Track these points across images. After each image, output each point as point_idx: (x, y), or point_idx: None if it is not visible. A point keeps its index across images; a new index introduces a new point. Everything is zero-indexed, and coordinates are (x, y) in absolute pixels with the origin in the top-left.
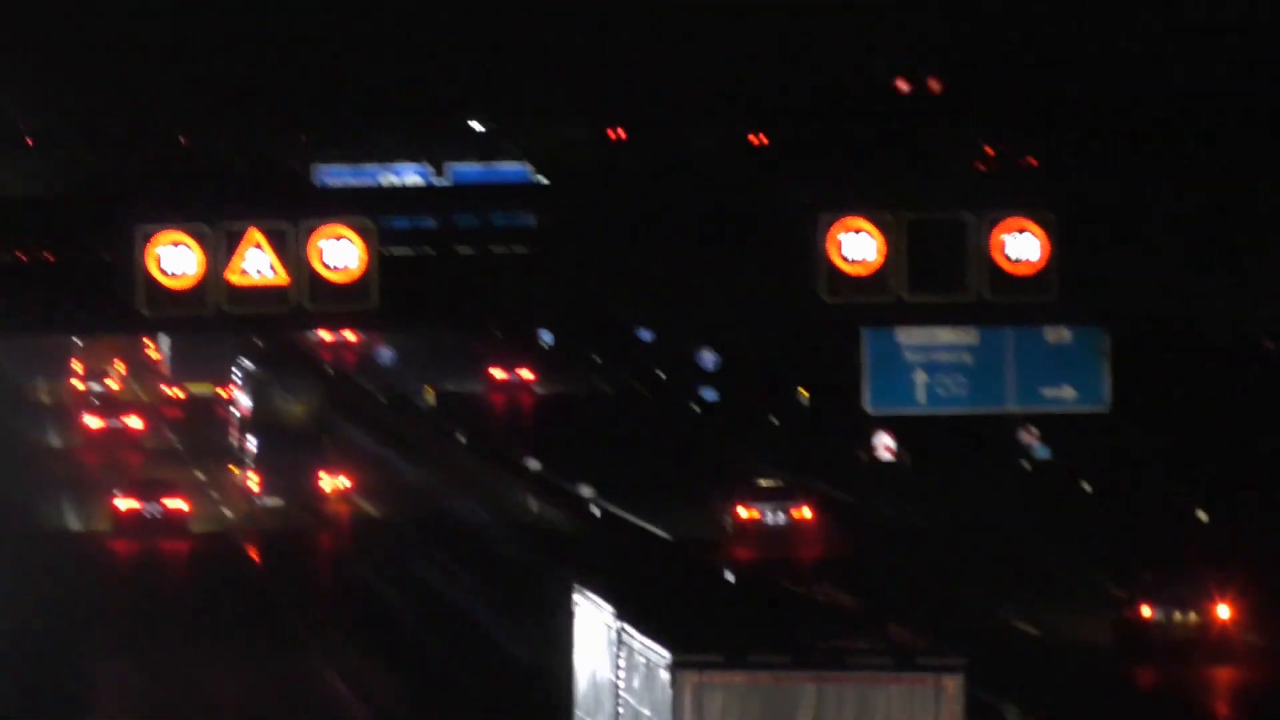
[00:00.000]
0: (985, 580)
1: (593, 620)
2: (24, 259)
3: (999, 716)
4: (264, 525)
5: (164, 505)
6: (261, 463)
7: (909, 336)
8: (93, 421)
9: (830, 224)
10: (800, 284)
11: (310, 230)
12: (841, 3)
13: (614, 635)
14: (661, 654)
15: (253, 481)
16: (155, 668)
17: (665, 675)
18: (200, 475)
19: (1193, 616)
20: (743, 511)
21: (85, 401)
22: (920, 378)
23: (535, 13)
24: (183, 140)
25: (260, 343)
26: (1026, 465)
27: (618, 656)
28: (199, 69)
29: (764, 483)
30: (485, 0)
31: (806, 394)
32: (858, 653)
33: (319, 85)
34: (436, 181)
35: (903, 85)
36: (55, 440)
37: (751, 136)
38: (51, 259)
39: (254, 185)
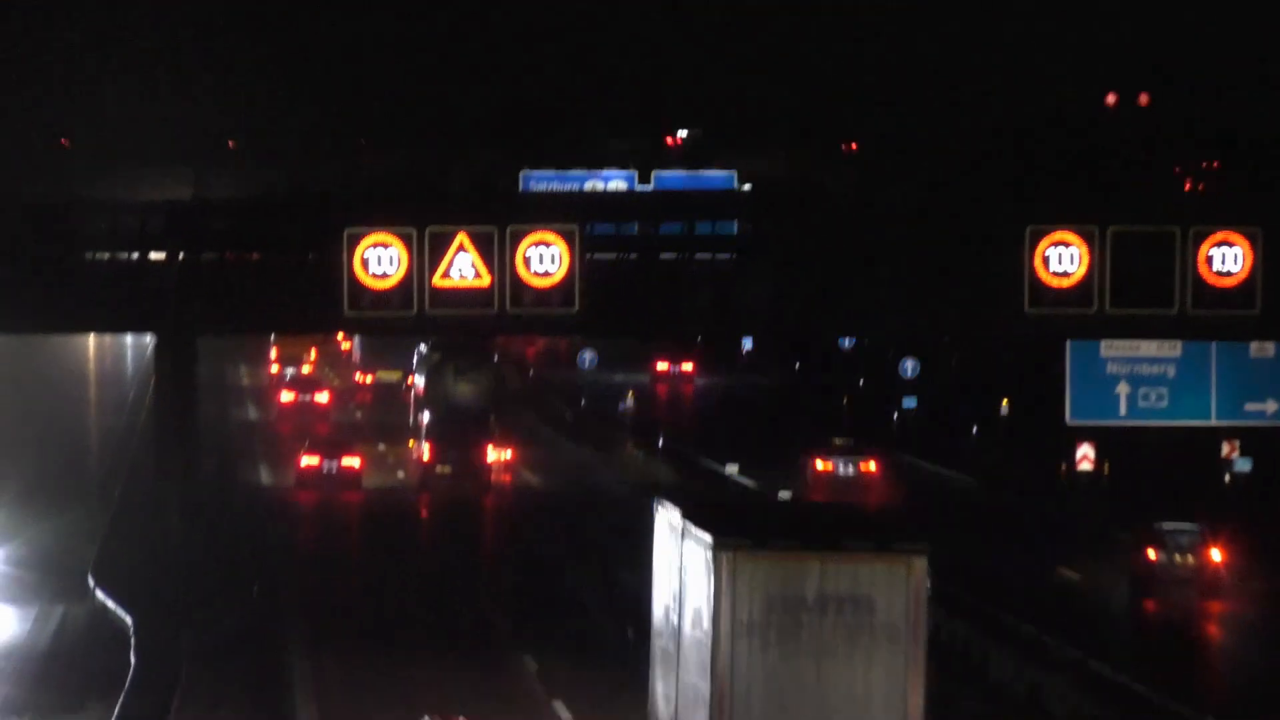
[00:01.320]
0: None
1: (665, 520)
2: (232, 260)
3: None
4: (434, 489)
5: (341, 463)
6: (433, 435)
7: (1112, 349)
8: (285, 396)
9: (1036, 237)
10: (1004, 296)
11: (516, 235)
12: (1052, 18)
13: (679, 529)
14: (706, 539)
15: (425, 451)
16: (326, 596)
17: (708, 554)
18: (381, 447)
19: (1190, 559)
20: (819, 464)
21: (280, 382)
22: (1123, 389)
23: (751, 23)
24: (391, 147)
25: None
26: (1226, 479)
27: (681, 543)
28: (409, 77)
29: (838, 441)
30: (699, 9)
31: (1007, 404)
32: (850, 539)
33: (528, 93)
34: (642, 188)
35: (1111, 99)
36: (253, 414)
37: (960, 150)
38: (260, 260)
39: (461, 191)
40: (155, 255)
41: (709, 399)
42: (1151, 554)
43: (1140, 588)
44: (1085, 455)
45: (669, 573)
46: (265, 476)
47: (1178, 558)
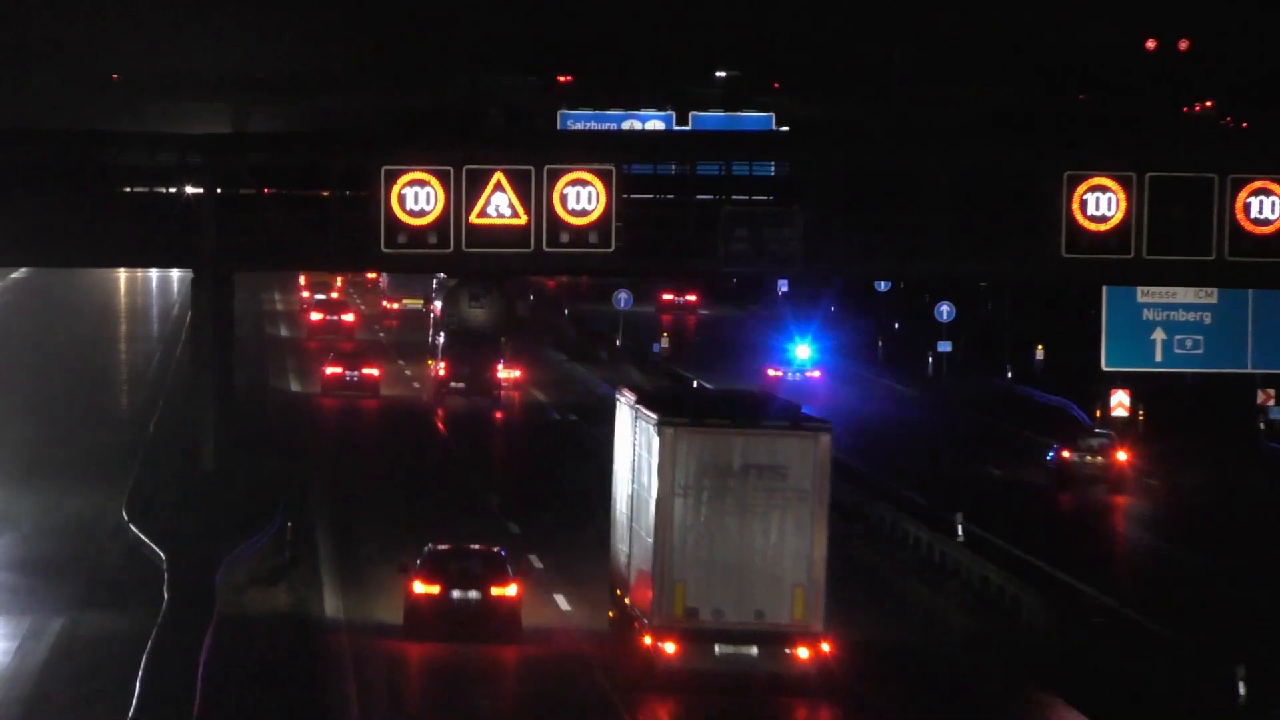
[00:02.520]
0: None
1: (624, 406)
2: (269, 196)
3: (951, 523)
4: (448, 402)
5: (361, 372)
6: (448, 354)
7: (1148, 295)
8: (315, 315)
9: (1074, 182)
10: (1042, 240)
11: (553, 174)
12: None
13: (633, 413)
14: (654, 418)
15: (441, 368)
16: (349, 489)
17: (655, 431)
18: (401, 363)
19: (1100, 459)
20: (770, 371)
21: (310, 304)
22: (1158, 336)
23: None
24: (432, 87)
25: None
26: (1262, 426)
27: (635, 424)
28: (450, 17)
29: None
30: None
31: (1042, 350)
32: (768, 417)
33: (567, 33)
34: (680, 129)
35: (1151, 45)
36: (285, 332)
37: (1000, 95)
38: (297, 196)
39: (499, 129)
40: (192, 189)
41: (715, 331)
42: (1066, 454)
43: (1056, 483)
44: (1120, 402)
45: (625, 448)
46: (295, 384)
47: (1089, 458)
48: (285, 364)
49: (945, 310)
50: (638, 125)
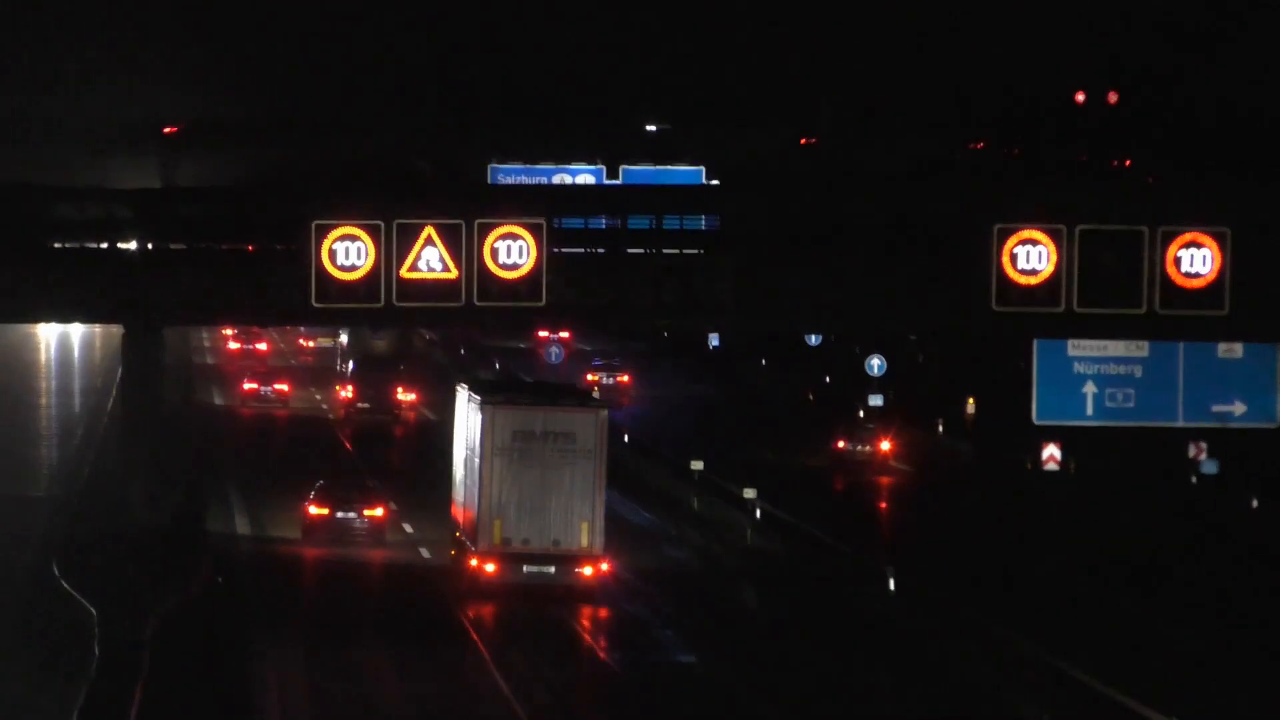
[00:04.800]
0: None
1: (462, 392)
2: (200, 250)
3: (739, 495)
4: (354, 419)
5: (274, 388)
6: (355, 378)
7: (1079, 348)
8: (233, 345)
9: (1004, 235)
10: (972, 293)
11: (484, 228)
12: (1020, 15)
13: (466, 396)
14: (479, 399)
15: (348, 392)
16: (263, 485)
17: (480, 408)
18: (313, 389)
19: (866, 448)
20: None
21: (230, 336)
22: (1089, 389)
23: (716, 15)
24: (360, 138)
25: None
26: (1194, 480)
27: (468, 405)
28: (377, 68)
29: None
30: (664, 2)
31: (973, 403)
32: (563, 398)
33: (496, 86)
34: (610, 183)
35: (1080, 97)
36: (209, 359)
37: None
38: (227, 250)
39: (429, 183)
40: (122, 245)
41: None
42: (841, 443)
43: (831, 466)
44: (1051, 455)
45: (461, 424)
46: (217, 398)
47: (858, 446)
48: (209, 383)
49: (876, 364)
50: (568, 179)
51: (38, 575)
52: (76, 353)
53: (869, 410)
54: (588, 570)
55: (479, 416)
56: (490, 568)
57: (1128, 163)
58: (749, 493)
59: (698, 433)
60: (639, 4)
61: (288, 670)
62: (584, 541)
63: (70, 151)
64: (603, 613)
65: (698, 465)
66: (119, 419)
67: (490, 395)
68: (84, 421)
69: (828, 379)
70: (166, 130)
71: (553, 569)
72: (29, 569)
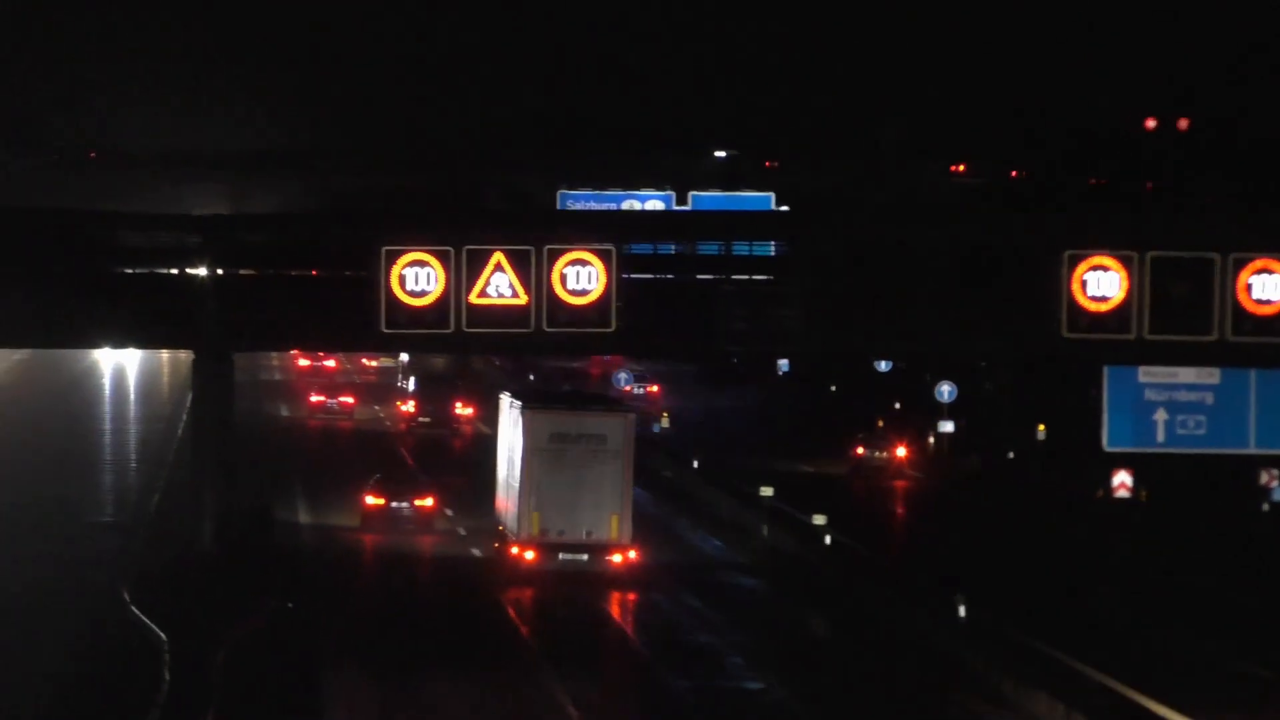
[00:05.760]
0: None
1: (505, 400)
2: (269, 276)
3: (761, 499)
4: (415, 433)
5: (339, 400)
6: (417, 394)
7: (1150, 375)
8: (303, 362)
9: (1074, 261)
10: (1042, 320)
11: (553, 254)
12: (1091, 43)
13: (509, 403)
14: (519, 404)
15: (409, 406)
16: (331, 491)
17: (521, 413)
18: (376, 406)
19: (883, 454)
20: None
21: (299, 355)
22: (1160, 416)
23: (789, 46)
24: (430, 164)
25: None
26: (1265, 507)
27: (510, 411)
28: (447, 96)
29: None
30: (736, 31)
31: (1043, 429)
32: (595, 404)
33: (567, 113)
34: (679, 209)
35: (1150, 124)
36: (278, 376)
37: (994, 174)
38: (296, 276)
39: (499, 209)
40: (191, 270)
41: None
42: (860, 450)
43: (852, 471)
44: (1123, 483)
45: (505, 429)
46: (285, 410)
47: (875, 453)
48: (277, 399)
49: (946, 390)
50: (637, 205)
51: (108, 601)
52: (134, 379)
53: (939, 436)
54: (617, 558)
55: (520, 420)
56: (529, 555)
57: (1199, 190)
58: (818, 519)
59: (725, 442)
60: (709, 34)
61: (358, 697)
62: (613, 533)
63: (141, 178)
64: (630, 596)
65: (767, 491)
66: (189, 444)
67: (529, 401)
68: (154, 447)
69: (897, 405)
70: (234, 157)
71: (585, 557)
72: (100, 595)
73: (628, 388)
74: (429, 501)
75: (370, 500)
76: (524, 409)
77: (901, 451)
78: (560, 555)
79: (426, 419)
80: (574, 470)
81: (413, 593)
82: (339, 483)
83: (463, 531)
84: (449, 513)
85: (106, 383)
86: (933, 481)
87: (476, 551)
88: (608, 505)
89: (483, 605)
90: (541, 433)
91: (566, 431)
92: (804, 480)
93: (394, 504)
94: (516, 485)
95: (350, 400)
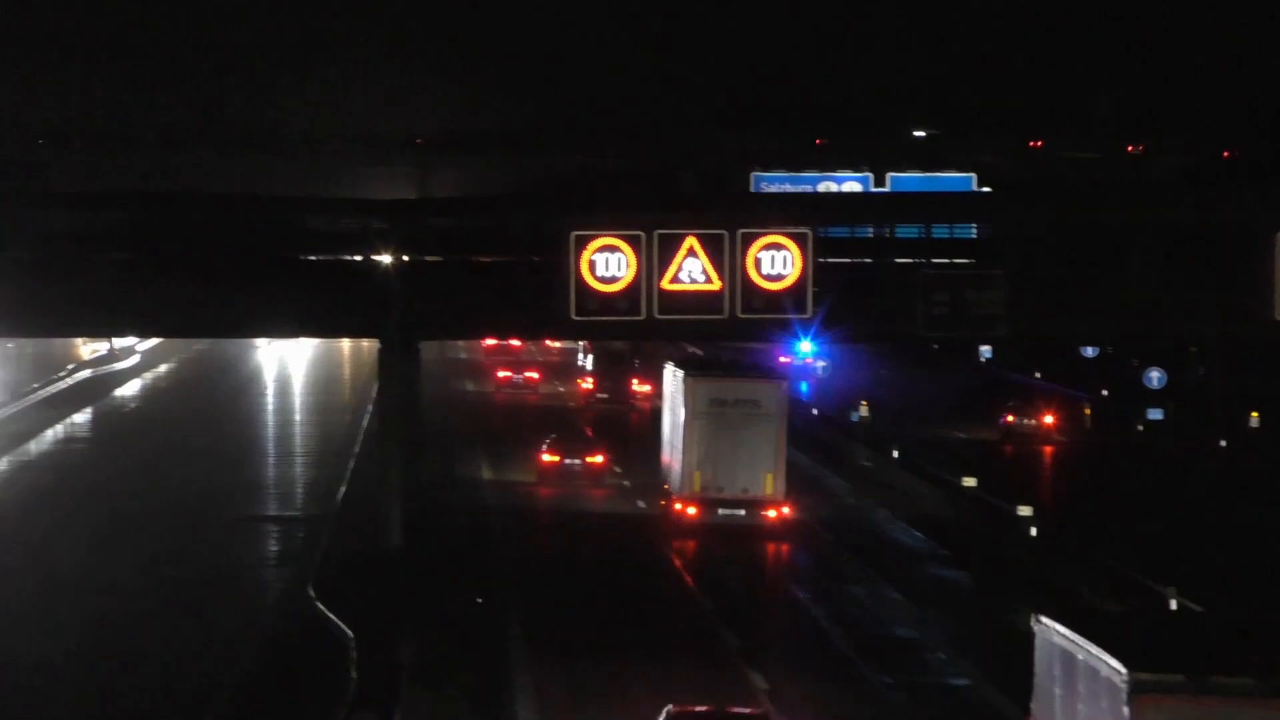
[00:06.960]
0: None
1: (668, 369)
2: (455, 262)
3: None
4: (594, 408)
5: (525, 375)
6: (596, 372)
7: None
8: (489, 341)
9: None
10: (1253, 301)
11: (747, 238)
12: None
13: (673, 372)
14: (682, 373)
15: (589, 383)
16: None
17: (684, 380)
18: (557, 384)
19: (1032, 421)
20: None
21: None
22: None
23: (983, 22)
24: (621, 147)
25: None
26: None
27: (674, 379)
28: (641, 78)
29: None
30: (932, 12)
31: (1256, 416)
32: (751, 372)
33: (761, 94)
34: (877, 190)
35: None
36: (463, 354)
37: (1204, 152)
38: (484, 262)
39: (691, 192)
40: (376, 256)
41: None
42: (1010, 418)
43: (1002, 438)
44: None
45: (669, 395)
46: (470, 385)
47: (1024, 420)
48: (463, 376)
49: (1156, 377)
50: (834, 187)
51: (293, 597)
52: (311, 372)
53: (1147, 424)
54: (771, 513)
55: (683, 388)
56: (691, 511)
57: None
58: (1023, 510)
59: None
60: (906, 12)
61: (548, 690)
62: (768, 489)
63: (327, 163)
64: (784, 548)
65: (970, 482)
66: (375, 436)
67: (691, 369)
68: (340, 438)
69: (1105, 392)
70: (418, 140)
71: (743, 512)
72: (284, 591)
73: (821, 362)
74: (599, 459)
75: (546, 458)
76: (686, 376)
77: (1049, 419)
78: (720, 510)
79: (604, 395)
80: (731, 432)
81: (586, 546)
82: (524, 447)
83: (628, 483)
84: (617, 469)
85: (275, 374)
86: (1083, 447)
87: (641, 503)
88: (762, 464)
89: (652, 558)
90: (703, 398)
91: (724, 397)
92: (959, 445)
93: (567, 460)
94: (679, 446)
95: (536, 375)
